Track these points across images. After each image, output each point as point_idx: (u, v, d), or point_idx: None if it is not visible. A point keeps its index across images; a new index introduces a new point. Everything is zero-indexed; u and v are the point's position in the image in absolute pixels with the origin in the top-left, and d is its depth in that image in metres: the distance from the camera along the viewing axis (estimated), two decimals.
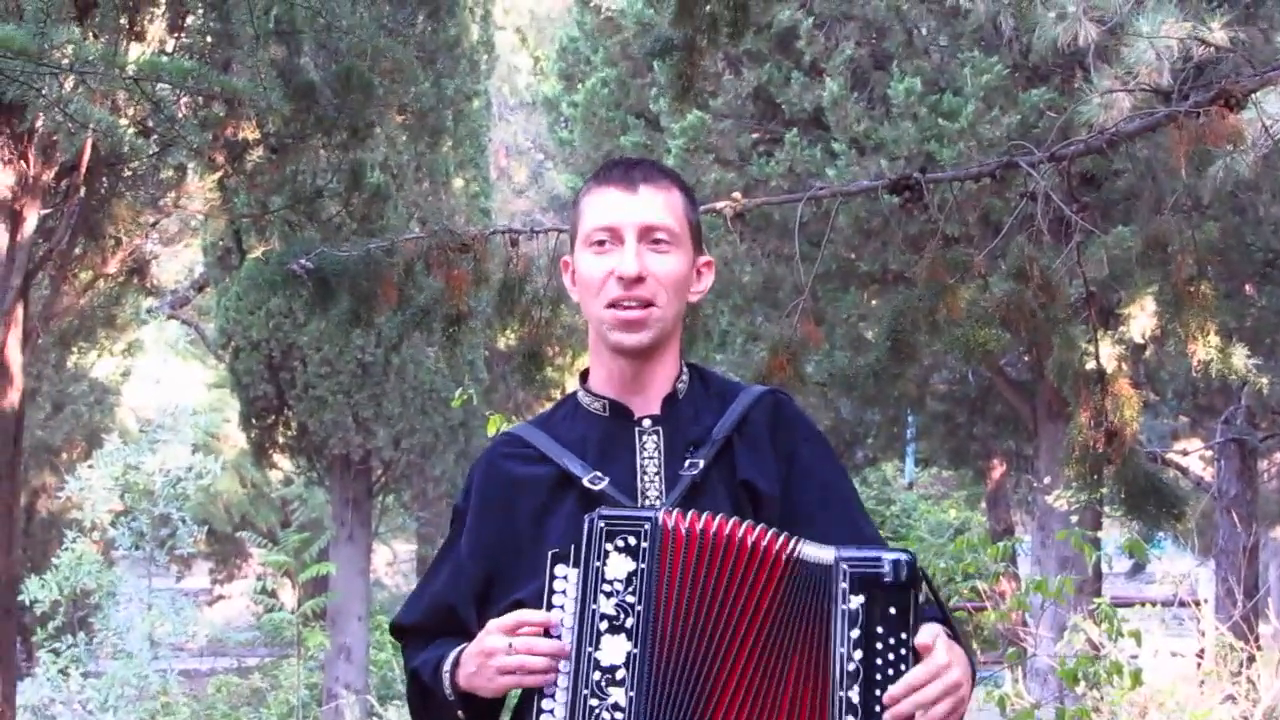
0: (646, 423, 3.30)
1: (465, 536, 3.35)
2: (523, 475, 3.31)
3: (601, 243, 3.25)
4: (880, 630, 2.93)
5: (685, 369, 3.39)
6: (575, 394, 3.41)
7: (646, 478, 3.26)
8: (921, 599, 3.02)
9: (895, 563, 2.95)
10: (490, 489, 3.35)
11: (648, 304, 3.23)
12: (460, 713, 3.22)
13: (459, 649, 3.20)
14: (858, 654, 2.92)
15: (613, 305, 3.24)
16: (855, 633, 2.93)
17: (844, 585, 2.94)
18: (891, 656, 2.92)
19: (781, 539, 3.01)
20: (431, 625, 3.36)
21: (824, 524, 3.17)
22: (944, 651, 2.92)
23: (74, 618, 12.96)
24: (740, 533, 3.00)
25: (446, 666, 3.21)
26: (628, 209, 3.25)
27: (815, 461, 3.33)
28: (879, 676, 2.91)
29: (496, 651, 3.05)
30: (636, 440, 3.29)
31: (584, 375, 3.41)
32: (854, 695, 2.91)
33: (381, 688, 21.33)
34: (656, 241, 3.25)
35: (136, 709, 12.32)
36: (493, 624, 3.10)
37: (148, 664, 12.51)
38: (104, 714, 11.52)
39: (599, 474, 3.23)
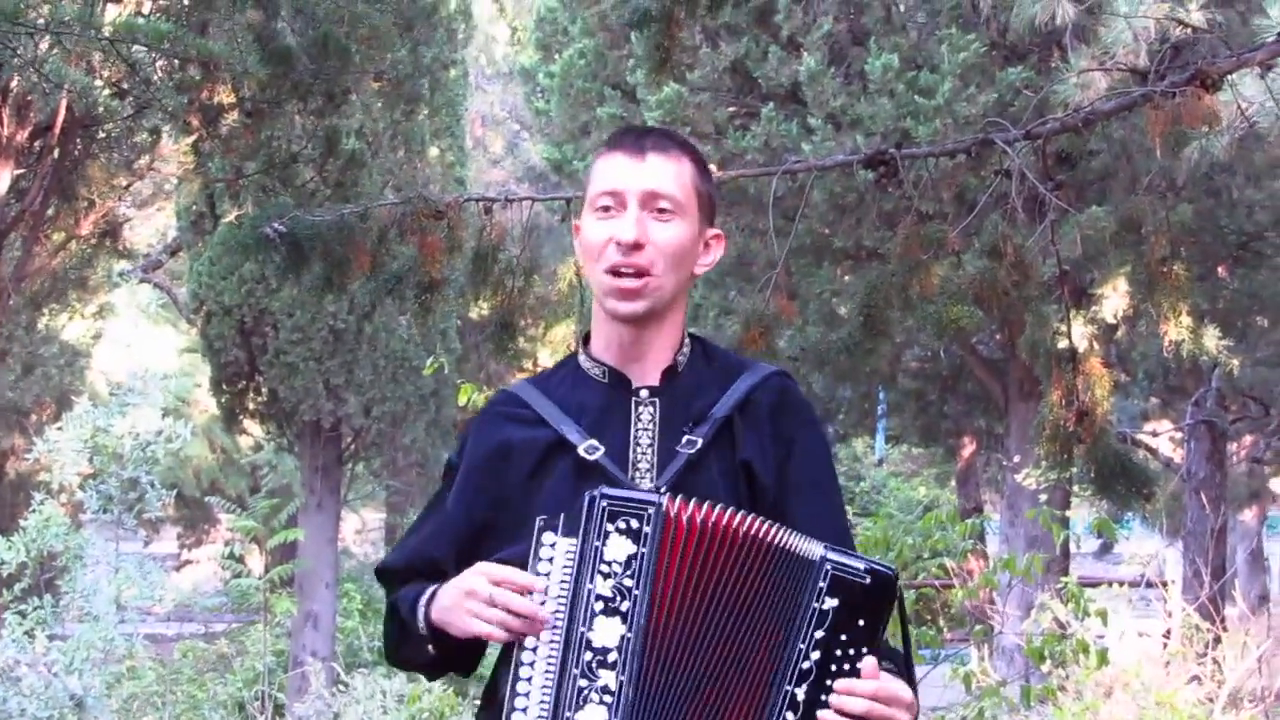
0: (644, 393, 3.29)
1: (454, 492, 3.35)
2: (517, 437, 3.31)
3: (606, 208, 3.25)
4: (844, 638, 2.91)
5: (688, 340, 3.38)
6: (576, 356, 3.40)
7: (639, 449, 3.25)
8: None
9: (876, 574, 2.93)
10: (483, 447, 3.35)
11: (643, 272, 3.21)
12: (430, 648, 3.23)
13: (439, 585, 3.20)
14: (815, 654, 2.90)
15: (612, 272, 3.23)
16: (820, 633, 2.91)
17: (822, 584, 2.92)
18: (846, 666, 2.90)
19: (775, 530, 2.98)
20: (412, 572, 3.35)
21: (805, 517, 3.14)
22: (892, 682, 2.93)
23: (41, 580, 12.90)
24: (737, 523, 2.96)
25: (424, 600, 3.22)
26: (632, 175, 3.24)
27: (810, 452, 3.32)
28: (829, 682, 2.90)
29: (477, 595, 3.04)
30: (632, 411, 3.28)
31: (585, 339, 3.39)
32: (800, 693, 2.90)
33: (348, 655, 21.30)
34: (660, 210, 3.24)
35: (102, 672, 12.28)
36: (480, 566, 3.09)
37: (114, 627, 12.46)
38: (69, 676, 11.48)
39: (595, 443, 3.22)
